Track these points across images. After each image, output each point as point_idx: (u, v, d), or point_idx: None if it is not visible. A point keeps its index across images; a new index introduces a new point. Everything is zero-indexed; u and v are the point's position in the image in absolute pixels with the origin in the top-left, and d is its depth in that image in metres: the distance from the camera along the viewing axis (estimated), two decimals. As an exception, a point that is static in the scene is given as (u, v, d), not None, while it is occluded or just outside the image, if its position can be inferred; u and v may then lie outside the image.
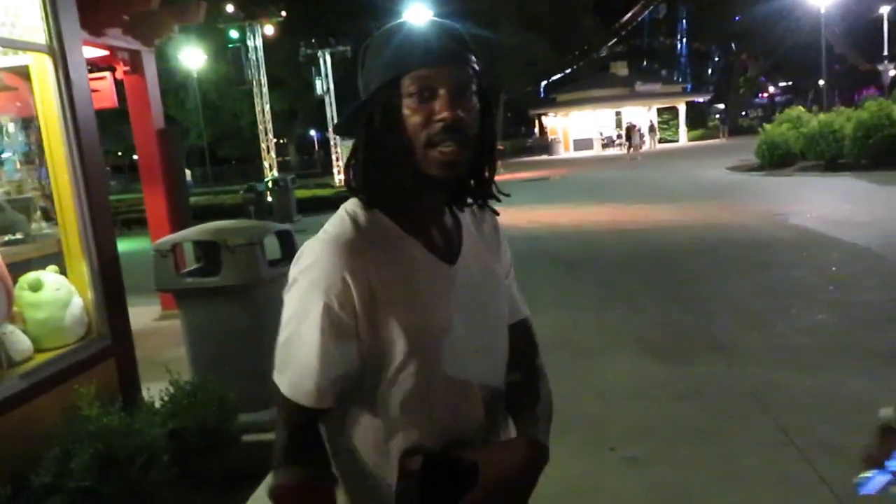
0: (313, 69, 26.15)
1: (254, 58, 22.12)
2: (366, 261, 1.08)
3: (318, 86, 26.01)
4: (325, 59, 25.86)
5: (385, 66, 1.08)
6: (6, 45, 3.40)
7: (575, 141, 42.85)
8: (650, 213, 13.11)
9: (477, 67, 1.11)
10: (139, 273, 4.87)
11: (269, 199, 17.83)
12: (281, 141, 42.02)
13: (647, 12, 50.64)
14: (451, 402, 1.15)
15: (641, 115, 41.05)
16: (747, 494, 3.13)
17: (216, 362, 3.91)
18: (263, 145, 23.49)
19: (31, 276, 3.44)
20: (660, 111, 42.63)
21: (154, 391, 3.67)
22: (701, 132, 42.76)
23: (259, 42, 22.44)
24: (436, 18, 1.14)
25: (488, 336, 1.21)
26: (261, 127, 23.45)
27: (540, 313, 6.47)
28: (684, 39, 52.85)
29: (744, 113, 51.13)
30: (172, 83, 30.35)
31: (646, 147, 36.21)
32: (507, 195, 1.26)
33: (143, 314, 7.08)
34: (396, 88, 1.07)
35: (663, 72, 50.80)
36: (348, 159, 1.16)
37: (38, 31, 3.41)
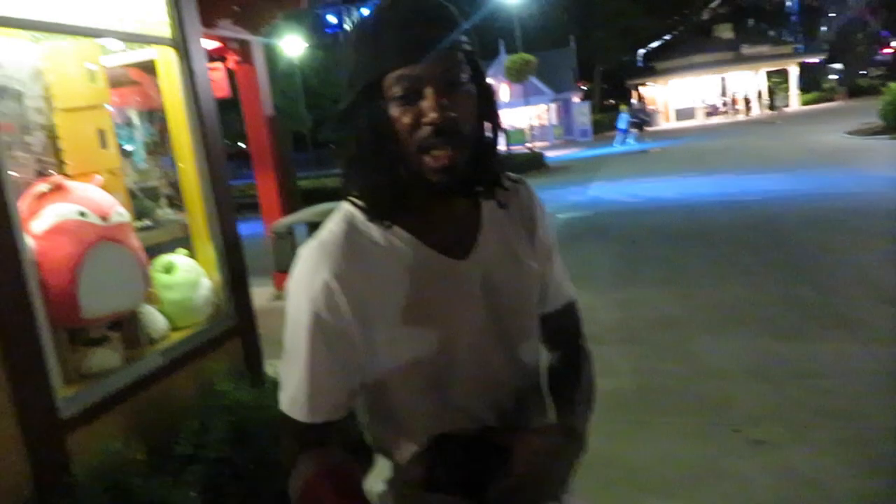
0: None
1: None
2: (353, 264, 1.03)
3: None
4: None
5: (365, 66, 0.99)
6: (137, 40, 3.59)
7: (676, 111, 41.21)
8: (762, 182, 12.43)
9: (468, 48, 1.01)
10: (251, 256, 5.09)
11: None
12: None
13: (753, -30, 47.75)
14: (468, 397, 1.10)
15: (748, 79, 38.92)
16: (888, 482, 2.93)
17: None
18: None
19: (163, 259, 3.66)
20: (769, 74, 40.25)
21: (273, 370, 3.83)
22: (815, 95, 40.07)
23: (355, 25, 22.79)
24: None
25: (512, 323, 1.13)
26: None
27: (646, 290, 6.39)
28: (795, -5, 49.50)
29: (864, 72, 47.41)
30: (275, 72, 31.41)
31: (754, 113, 34.34)
32: (517, 184, 1.20)
33: (259, 295, 7.37)
34: (379, 91, 0.98)
35: (771, 32, 47.82)
36: (343, 164, 1.08)
37: (163, 26, 3.58)
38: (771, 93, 32.36)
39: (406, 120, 0.97)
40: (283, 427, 1.09)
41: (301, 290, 1.05)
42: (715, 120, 37.97)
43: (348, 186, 1.08)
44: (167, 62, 3.67)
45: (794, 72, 39.90)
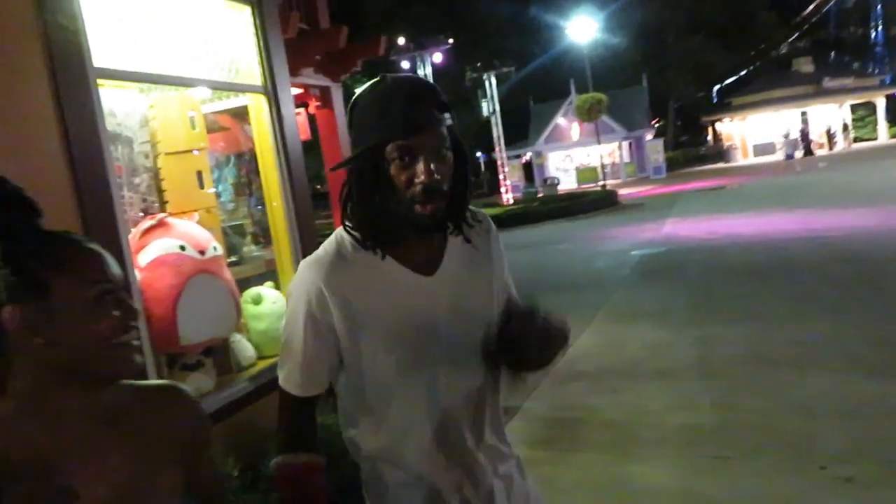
0: (479, 91, 26.80)
1: (424, 85, 23.04)
2: (341, 275, 1.32)
3: (485, 107, 26.61)
4: (491, 81, 26.44)
5: (371, 131, 1.27)
6: (232, 88, 3.89)
7: (755, 146, 40.17)
8: (847, 218, 11.96)
9: (450, 122, 1.31)
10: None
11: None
12: (449, 163, 43.17)
13: (832, 2, 46.55)
14: (439, 390, 1.36)
15: (832, 113, 37.67)
16: None
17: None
18: (434, 168, 24.35)
19: (252, 291, 3.88)
20: (853, 108, 38.84)
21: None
22: (905, 127, 38.35)
23: (429, 70, 23.44)
24: (414, 80, 1.32)
25: (473, 324, 1.39)
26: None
27: (725, 327, 6.26)
28: (880, 27, 47.83)
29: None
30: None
31: (839, 147, 33.13)
32: (479, 221, 1.45)
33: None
34: (382, 152, 1.26)
35: (855, 64, 46.24)
36: (342, 199, 1.34)
37: (254, 76, 3.87)
38: (829, 134, 31.03)
39: (402, 178, 1.26)
40: (280, 398, 1.40)
41: (298, 292, 1.35)
42: (796, 155, 36.81)
43: (345, 219, 1.35)
44: (258, 108, 3.94)
45: (881, 104, 38.38)
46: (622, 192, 25.97)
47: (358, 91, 1.35)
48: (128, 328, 0.99)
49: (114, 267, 1.00)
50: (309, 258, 1.37)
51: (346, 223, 1.34)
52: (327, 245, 1.37)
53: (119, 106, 3.45)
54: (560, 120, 38.79)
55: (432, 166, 1.24)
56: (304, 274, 1.34)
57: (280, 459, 1.39)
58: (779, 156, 37.94)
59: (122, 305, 0.99)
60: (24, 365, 0.94)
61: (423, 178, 1.24)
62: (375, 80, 1.33)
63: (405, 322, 1.34)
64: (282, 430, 1.41)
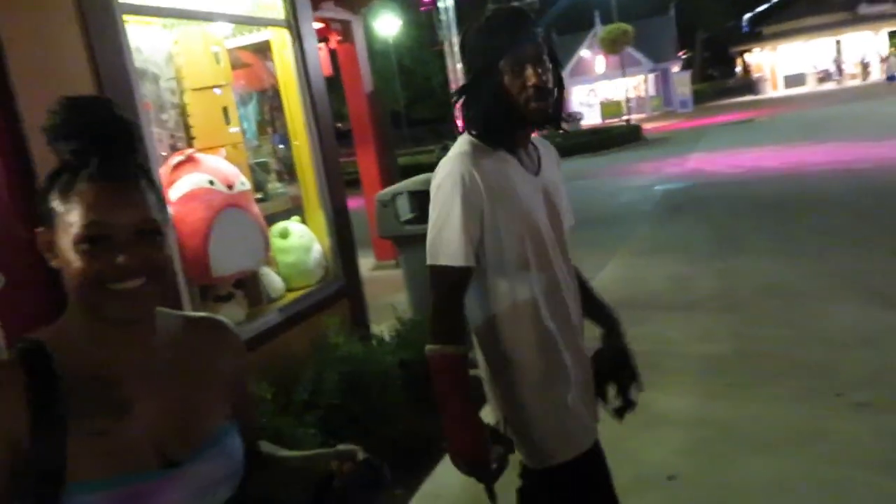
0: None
1: (445, 19, 22.57)
2: (483, 166, 1.55)
3: (507, 40, 25.98)
4: (513, 13, 25.71)
5: (486, 51, 1.56)
6: (253, 22, 3.89)
7: (785, 77, 38.96)
8: (880, 151, 11.69)
9: (544, 36, 1.58)
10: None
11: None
12: (471, 99, 42.56)
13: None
14: (548, 276, 1.61)
15: (867, 41, 36.26)
16: None
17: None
18: (456, 105, 24.06)
19: (279, 225, 3.97)
20: (891, 35, 37.32)
21: (376, 330, 4.08)
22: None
23: (450, 2, 22.85)
24: (511, 7, 1.60)
25: (560, 232, 1.68)
26: (453, 86, 24.03)
27: (748, 259, 6.26)
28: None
29: None
30: (370, 52, 31.96)
31: (873, 78, 32.04)
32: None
33: (360, 265, 7.76)
34: (496, 66, 1.54)
35: (895, -11, 44.14)
36: (463, 108, 1.62)
37: (276, 9, 3.85)
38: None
39: (516, 85, 1.54)
40: (439, 279, 1.55)
41: (452, 179, 1.55)
42: (827, 86, 35.70)
43: (468, 127, 1.63)
44: (281, 43, 3.94)
45: (920, 31, 36.81)
46: (647, 126, 25.51)
47: (465, 26, 1.65)
48: (121, 276, 0.92)
49: (124, 213, 0.93)
50: (453, 155, 1.58)
51: (471, 132, 1.60)
52: (462, 146, 1.59)
53: (144, 42, 3.47)
54: (584, 52, 37.85)
55: (539, 70, 1.53)
56: (456, 163, 1.55)
57: (439, 349, 1.53)
58: (810, 86, 36.87)
59: (118, 252, 0.92)
60: (69, 287, 0.96)
61: (533, 80, 1.52)
62: (478, 14, 1.61)
63: (529, 213, 1.59)
64: (439, 319, 1.55)
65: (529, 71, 1.52)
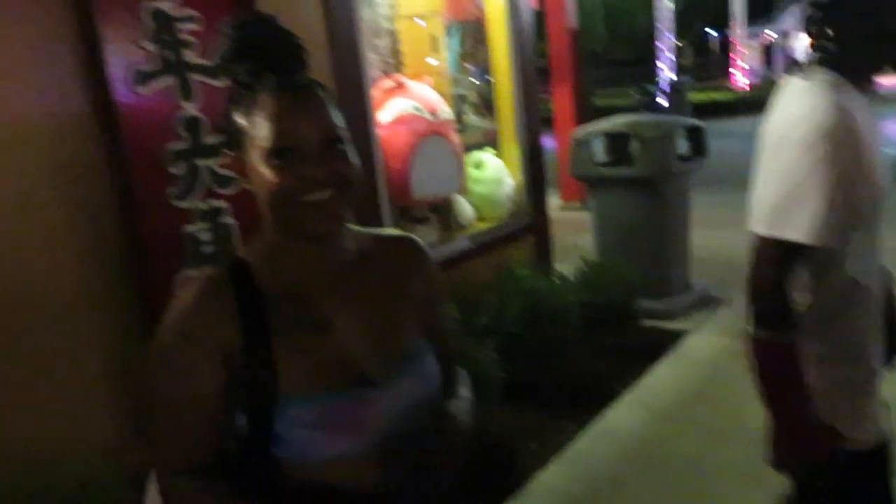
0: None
1: (658, -48, 21.16)
2: (853, 116, 1.27)
3: (726, -22, 23.91)
4: (737, -53, 23.54)
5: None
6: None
7: None
8: None
9: None
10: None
11: (663, 101, 17.45)
12: (677, 42, 40.12)
13: None
14: (875, 252, 1.39)
15: None
16: None
17: (621, 248, 4.18)
18: (660, 45, 22.77)
19: (475, 156, 4.06)
20: None
21: (558, 269, 4.09)
22: None
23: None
24: None
25: None
26: (658, 26, 22.69)
27: None
28: None
29: None
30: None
31: None
32: None
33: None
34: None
35: None
36: (825, 26, 1.31)
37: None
38: None
39: None
40: (780, 254, 1.30)
41: (819, 131, 1.24)
42: None
43: (828, 56, 1.33)
44: (491, -28, 3.93)
45: None
46: (882, 81, 22.48)
47: None
48: (311, 188, 0.92)
49: (313, 123, 0.93)
50: (810, 95, 1.30)
51: (829, 62, 1.32)
52: (821, 85, 1.30)
53: (366, -31, 3.62)
54: (816, -6, 33.77)
55: None
56: (825, 110, 1.26)
57: (771, 336, 1.32)
58: None
59: (310, 163, 0.92)
60: (262, 205, 0.97)
61: None
62: None
63: (879, 175, 1.33)
64: (772, 299, 1.31)
65: None
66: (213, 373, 0.95)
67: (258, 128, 0.93)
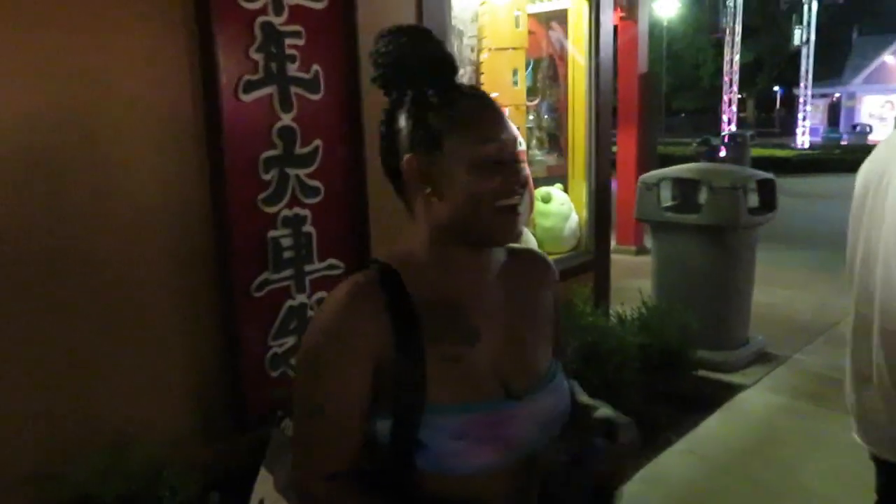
0: (794, 16, 23.92)
1: (731, 4, 21.20)
2: None
3: (797, 35, 23.74)
4: (811, 6, 23.35)
5: None
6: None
7: None
8: None
9: None
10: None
11: (723, 153, 17.27)
12: (740, 95, 39.78)
13: None
14: None
15: None
16: None
17: (680, 295, 4.14)
18: (725, 98, 22.60)
19: (543, 189, 4.10)
20: None
21: (615, 310, 4.08)
22: None
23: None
24: None
25: None
26: (726, 78, 22.53)
27: None
28: None
29: None
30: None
31: None
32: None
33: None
34: None
35: None
36: None
37: (581, -20, 3.92)
38: None
39: None
40: None
41: None
42: None
43: None
44: (578, 12, 4.02)
45: None
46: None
47: None
48: (511, 192, 0.95)
49: (508, 130, 0.97)
50: None
51: None
52: None
53: (456, 0, 3.74)
54: (888, 58, 33.19)
55: None
56: None
57: None
58: None
59: (508, 169, 0.95)
60: (421, 215, 0.99)
61: None
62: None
63: None
64: None
65: None
66: (361, 376, 0.94)
67: (464, 135, 0.94)
